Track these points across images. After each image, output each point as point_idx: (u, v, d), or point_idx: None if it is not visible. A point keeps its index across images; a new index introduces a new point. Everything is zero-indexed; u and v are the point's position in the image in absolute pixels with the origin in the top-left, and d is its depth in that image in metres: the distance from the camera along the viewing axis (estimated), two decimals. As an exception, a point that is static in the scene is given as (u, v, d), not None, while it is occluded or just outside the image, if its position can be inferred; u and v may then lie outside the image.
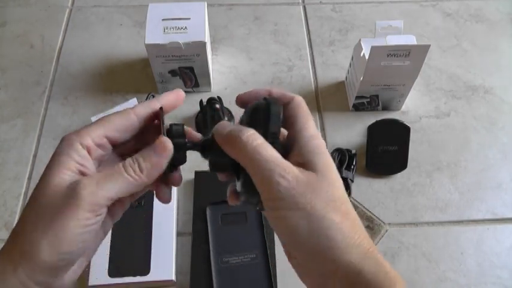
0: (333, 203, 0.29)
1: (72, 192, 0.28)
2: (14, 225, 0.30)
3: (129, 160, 0.31)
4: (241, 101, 0.35)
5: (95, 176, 0.30)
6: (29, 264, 0.28)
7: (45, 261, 0.28)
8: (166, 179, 0.35)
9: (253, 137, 0.30)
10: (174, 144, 0.32)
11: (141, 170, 0.30)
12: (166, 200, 0.35)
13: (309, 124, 0.32)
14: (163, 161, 0.31)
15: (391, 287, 0.28)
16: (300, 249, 0.30)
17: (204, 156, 0.35)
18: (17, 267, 0.28)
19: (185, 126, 0.34)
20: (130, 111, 0.33)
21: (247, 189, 0.31)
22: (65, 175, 0.29)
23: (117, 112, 0.33)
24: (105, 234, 0.34)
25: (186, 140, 0.33)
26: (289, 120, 0.33)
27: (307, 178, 0.29)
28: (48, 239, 0.28)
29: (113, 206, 0.32)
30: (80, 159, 0.30)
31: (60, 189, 0.29)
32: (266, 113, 0.31)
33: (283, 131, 0.34)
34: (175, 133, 0.33)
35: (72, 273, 0.32)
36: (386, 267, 0.28)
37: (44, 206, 0.29)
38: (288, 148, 0.32)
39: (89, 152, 0.31)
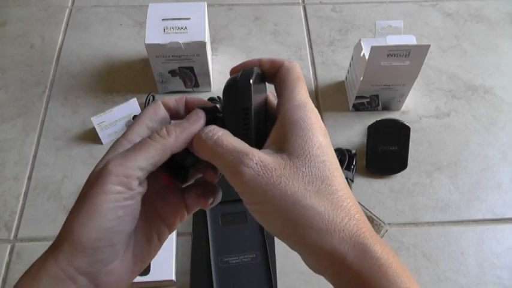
0: (309, 185, 0.26)
1: (101, 170, 0.28)
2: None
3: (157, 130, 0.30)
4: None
5: (122, 151, 0.29)
6: (68, 247, 0.27)
7: (80, 240, 0.27)
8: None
9: (212, 132, 0.28)
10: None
11: (168, 133, 0.29)
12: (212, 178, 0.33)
13: (295, 92, 0.29)
14: (194, 128, 0.30)
15: (377, 274, 0.25)
16: (281, 239, 0.28)
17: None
18: (58, 253, 0.27)
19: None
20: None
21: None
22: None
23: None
24: (161, 240, 0.33)
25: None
26: (277, 90, 0.31)
27: (276, 161, 0.27)
28: (81, 217, 0.27)
29: (163, 207, 0.32)
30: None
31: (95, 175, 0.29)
32: (234, 88, 0.29)
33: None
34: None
35: (119, 267, 0.30)
36: (376, 253, 0.26)
37: (82, 190, 0.29)
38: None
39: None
